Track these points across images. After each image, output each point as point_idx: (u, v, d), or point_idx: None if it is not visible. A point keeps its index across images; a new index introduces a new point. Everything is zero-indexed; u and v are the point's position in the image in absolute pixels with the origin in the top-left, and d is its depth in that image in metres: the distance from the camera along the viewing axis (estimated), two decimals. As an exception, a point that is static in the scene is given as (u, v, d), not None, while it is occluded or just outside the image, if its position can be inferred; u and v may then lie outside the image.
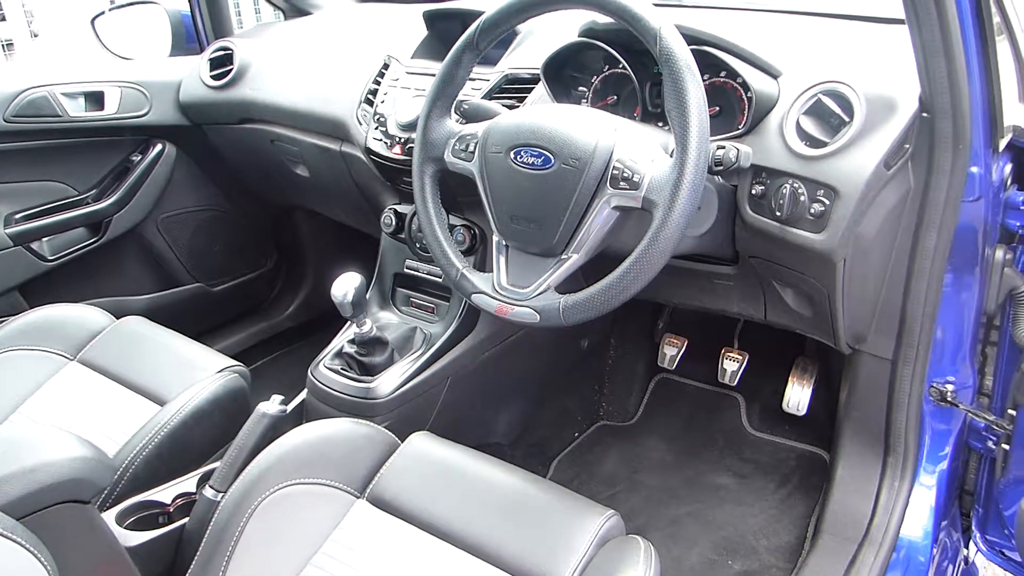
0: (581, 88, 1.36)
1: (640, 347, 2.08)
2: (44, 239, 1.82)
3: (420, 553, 0.97)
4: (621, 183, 0.96)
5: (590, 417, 2.02)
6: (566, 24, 1.36)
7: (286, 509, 1.00)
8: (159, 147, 1.96)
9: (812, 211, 1.06)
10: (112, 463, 1.16)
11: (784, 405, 1.81)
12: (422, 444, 1.11)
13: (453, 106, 1.17)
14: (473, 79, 1.35)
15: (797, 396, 1.80)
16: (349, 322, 1.39)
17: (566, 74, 1.35)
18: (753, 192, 1.12)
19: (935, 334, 1.24)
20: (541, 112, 1.04)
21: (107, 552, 0.88)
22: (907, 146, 1.07)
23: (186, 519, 1.09)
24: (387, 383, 1.40)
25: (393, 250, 1.62)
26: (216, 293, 2.20)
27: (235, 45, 1.88)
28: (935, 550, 1.31)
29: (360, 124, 1.53)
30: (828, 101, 1.07)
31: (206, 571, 0.95)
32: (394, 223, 1.57)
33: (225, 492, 1.04)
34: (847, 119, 1.05)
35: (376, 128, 1.48)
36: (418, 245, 1.55)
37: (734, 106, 1.21)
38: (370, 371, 1.41)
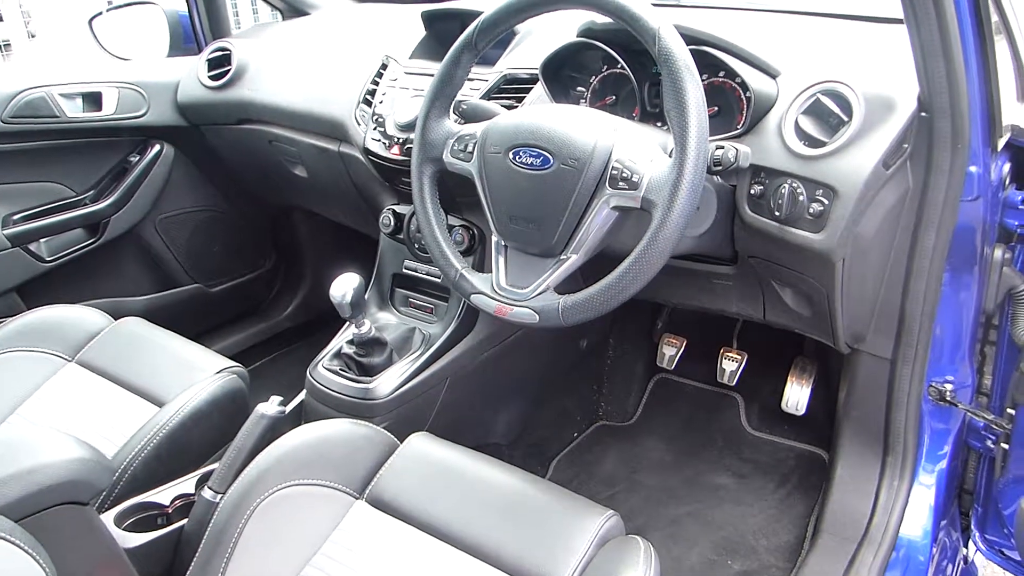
0: (580, 88, 1.36)
1: (639, 347, 2.08)
2: (42, 240, 1.81)
3: (419, 554, 0.97)
4: (620, 183, 0.96)
5: (589, 417, 2.02)
6: (564, 24, 1.36)
7: (285, 510, 1.00)
8: (157, 148, 1.95)
9: (811, 211, 1.06)
10: (111, 464, 1.16)
11: (783, 405, 1.81)
12: (421, 445, 1.11)
13: (452, 106, 1.17)
14: (472, 79, 1.35)
15: (796, 396, 1.80)
16: (348, 323, 1.39)
17: (565, 74, 1.35)
18: (752, 192, 1.12)
19: (934, 333, 1.24)
20: (540, 112, 1.04)
21: (106, 554, 0.88)
22: (906, 146, 1.07)
23: (185, 520, 1.09)
24: (386, 384, 1.40)
25: (392, 250, 1.61)
26: (214, 294, 2.20)
27: (233, 45, 1.87)
28: (934, 549, 1.31)
29: (358, 124, 1.53)
30: (827, 101, 1.07)
31: (205, 572, 0.95)
32: (393, 223, 1.56)
33: (224, 493, 1.04)
34: (846, 119, 1.05)
35: (374, 128, 1.48)
36: (417, 246, 1.55)
37: (733, 106, 1.21)
38: (369, 372, 1.41)
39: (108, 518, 1.07)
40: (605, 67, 1.34)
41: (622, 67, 1.27)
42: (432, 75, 1.15)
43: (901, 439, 1.35)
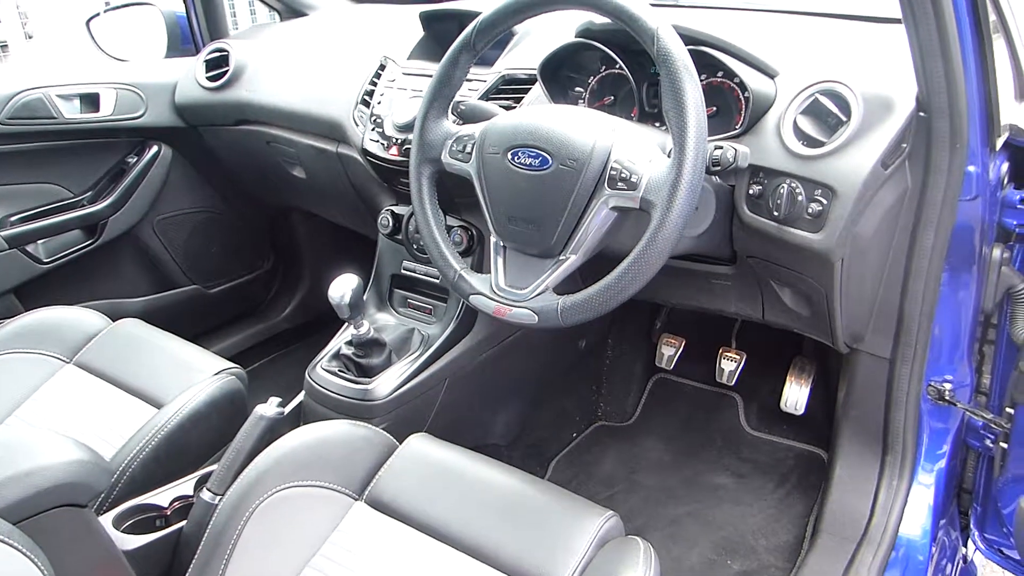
0: (578, 89, 1.36)
1: (638, 347, 2.08)
2: (39, 241, 1.81)
3: (419, 555, 0.96)
4: (619, 183, 0.96)
5: (588, 418, 2.02)
6: (563, 25, 1.35)
7: (284, 512, 0.99)
8: (155, 149, 1.95)
9: (810, 211, 1.06)
10: (109, 466, 1.16)
11: (782, 404, 1.81)
12: (420, 446, 1.11)
13: (450, 107, 1.17)
14: (470, 80, 1.34)
15: (795, 395, 1.80)
16: (346, 324, 1.39)
17: (563, 75, 1.35)
18: (751, 192, 1.12)
19: (933, 333, 1.24)
20: (538, 113, 1.04)
21: (104, 556, 0.88)
22: (904, 145, 1.07)
23: (183, 522, 1.09)
24: (385, 385, 1.39)
25: (390, 251, 1.61)
26: (213, 295, 2.20)
27: (231, 46, 1.87)
28: (934, 549, 1.31)
29: (357, 125, 1.53)
30: (825, 101, 1.06)
31: (204, 574, 0.95)
32: (391, 224, 1.56)
33: (223, 495, 1.04)
34: (844, 119, 1.05)
35: (373, 129, 1.48)
36: (415, 246, 1.54)
37: (731, 106, 1.21)
38: (368, 373, 1.41)
39: (107, 520, 1.07)
40: (603, 67, 1.34)
41: (620, 67, 1.27)
42: (430, 76, 1.15)
43: (900, 438, 1.35)
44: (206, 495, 1.08)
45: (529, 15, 1.07)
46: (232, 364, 1.40)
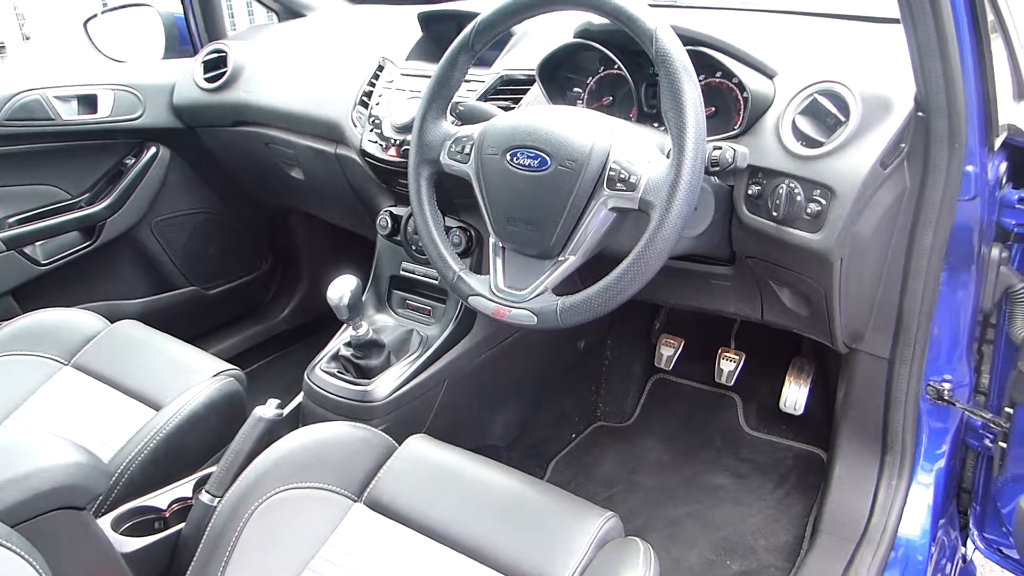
0: (576, 89, 1.36)
1: (637, 348, 2.08)
2: (37, 243, 1.81)
3: (418, 557, 0.96)
4: (618, 184, 0.96)
5: (587, 418, 2.02)
6: (561, 25, 1.35)
7: (283, 513, 0.99)
8: (153, 150, 1.95)
9: (808, 211, 1.06)
10: (107, 468, 1.16)
11: (781, 405, 1.81)
12: (419, 447, 1.11)
13: (449, 108, 1.17)
14: (468, 80, 1.34)
15: (794, 395, 1.80)
16: (345, 325, 1.38)
17: (561, 75, 1.35)
18: (749, 192, 1.12)
19: (932, 333, 1.24)
20: (537, 113, 1.04)
21: (103, 559, 0.88)
22: (903, 145, 1.07)
23: (182, 524, 1.09)
24: (384, 386, 1.39)
25: (389, 252, 1.61)
26: (211, 296, 2.19)
27: (229, 47, 1.87)
28: (933, 548, 1.31)
29: (355, 126, 1.53)
30: (824, 101, 1.07)
31: (203, 577, 0.95)
32: (390, 225, 1.56)
33: (221, 497, 1.04)
34: (843, 119, 1.05)
35: (371, 130, 1.48)
36: (414, 247, 1.54)
37: (730, 106, 1.21)
38: (367, 374, 1.41)
39: (105, 522, 1.06)
40: (602, 68, 1.34)
41: (619, 68, 1.27)
42: (429, 76, 1.15)
43: (899, 438, 1.35)
44: (205, 497, 1.08)
45: (528, 16, 1.07)
46: (231, 366, 1.40)
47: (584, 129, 0.99)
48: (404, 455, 1.09)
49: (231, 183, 2.12)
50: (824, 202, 1.04)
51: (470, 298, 1.10)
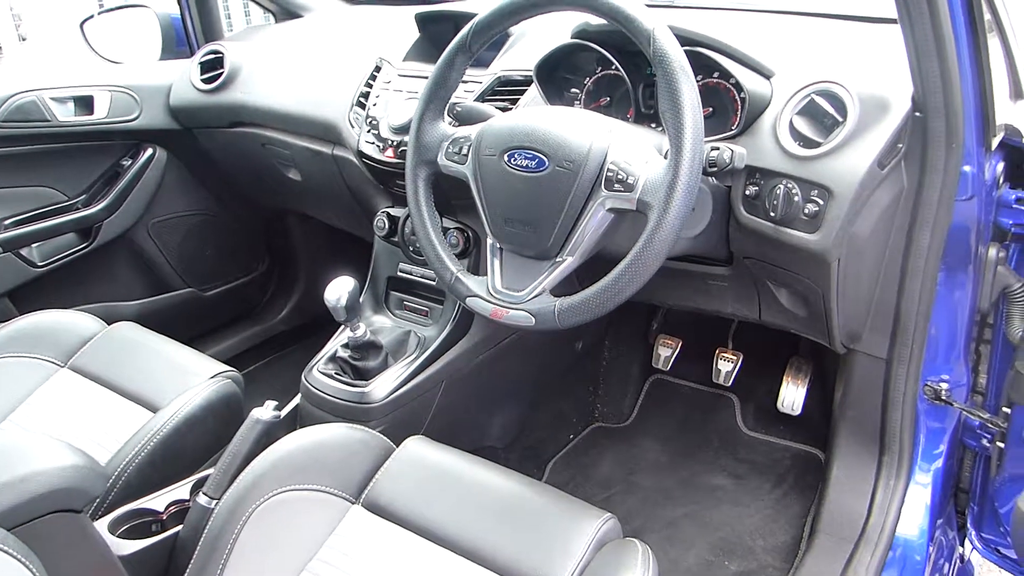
0: (574, 90, 1.36)
1: (634, 348, 2.08)
2: (33, 245, 1.80)
3: (416, 558, 0.96)
4: (616, 185, 0.96)
5: (585, 419, 2.02)
6: (558, 26, 1.35)
7: (281, 516, 0.99)
8: (149, 151, 1.94)
9: (806, 211, 1.06)
10: (104, 471, 1.15)
11: (779, 405, 1.81)
12: (417, 449, 1.10)
13: (446, 109, 1.17)
14: (465, 81, 1.34)
15: (792, 396, 1.80)
16: (343, 326, 1.38)
17: (559, 76, 1.35)
18: (747, 193, 1.12)
19: (929, 333, 1.24)
20: (535, 114, 1.04)
21: (100, 561, 0.87)
22: (900, 145, 1.07)
23: (180, 527, 1.08)
24: (381, 387, 1.39)
25: (386, 253, 1.61)
26: (208, 298, 2.19)
27: (225, 48, 1.87)
28: (931, 548, 1.31)
29: (352, 127, 1.53)
30: (821, 101, 1.07)
31: (200, 579, 0.94)
32: (387, 226, 1.56)
33: (219, 499, 1.03)
34: (840, 119, 1.05)
35: (368, 131, 1.48)
36: (411, 248, 1.54)
37: (727, 107, 1.21)
38: (364, 375, 1.40)
39: (102, 525, 1.06)
40: (599, 68, 1.34)
41: (616, 68, 1.27)
42: (426, 77, 1.15)
43: (897, 438, 1.35)
44: (202, 499, 1.08)
45: (525, 16, 1.07)
46: (228, 367, 1.39)
47: (582, 130, 0.99)
48: (402, 456, 1.09)
49: (228, 184, 2.12)
50: (822, 202, 1.04)
51: (468, 299, 1.10)
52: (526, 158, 1.00)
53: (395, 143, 1.42)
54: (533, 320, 1.02)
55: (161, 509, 1.12)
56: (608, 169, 0.97)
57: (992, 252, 1.27)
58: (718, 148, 1.03)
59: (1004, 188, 1.28)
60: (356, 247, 1.87)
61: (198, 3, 2.02)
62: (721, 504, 1.72)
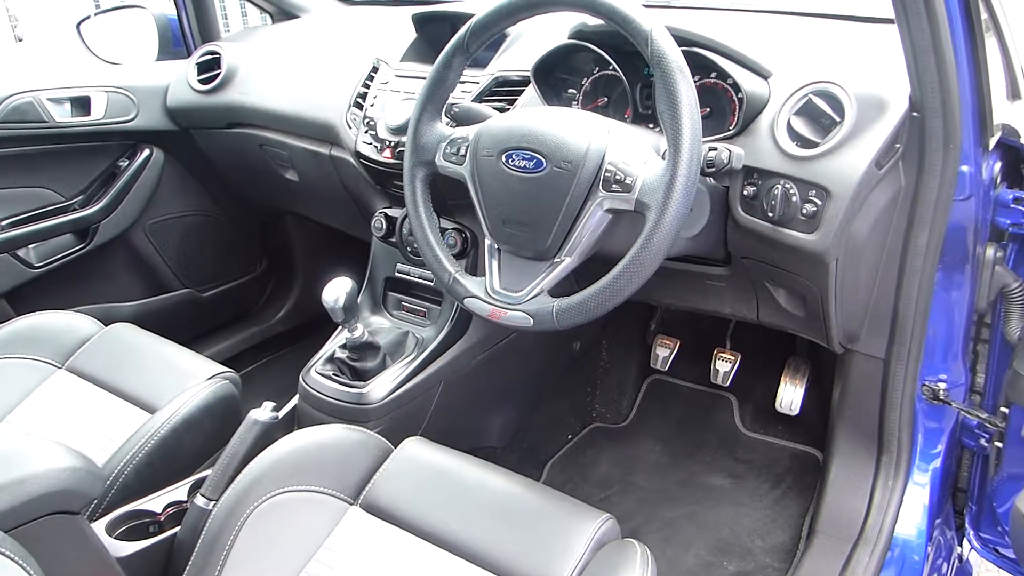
0: (571, 90, 1.36)
1: (632, 349, 2.08)
2: (30, 246, 1.80)
3: (415, 559, 0.96)
4: (614, 185, 0.96)
5: (583, 420, 2.02)
6: (556, 26, 1.35)
7: (279, 517, 0.99)
8: (146, 152, 1.94)
9: (804, 211, 1.06)
10: (102, 472, 1.15)
11: (777, 405, 1.81)
12: (415, 449, 1.10)
13: (444, 109, 1.17)
14: (463, 82, 1.34)
15: (790, 396, 1.80)
16: (340, 327, 1.38)
17: (556, 76, 1.35)
18: (745, 193, 1.12)
19: (927, 333, 1.24)
20: (532, 115, 1.04)
21: (97, 563, 0.87)
22: (898, 145, 1.07)
23: (177, 528, 1.08)
24: (379, 388, 1.39)
25: (384, 254, 1.61)
26: (205, 299, 2.19)
27: (223, 49, 1.87)
28: (929, 548, 1.31)
29: (350, 128, 1.53)
30: (819, 101, 1.07)
31: (198, 581, 0.94)
32: (385, 227, 1.56)
33: (217, 500, 1.03)
34: (838, 119, 1.05)
35: (366, 132, 1.48)
36: (409, 249, 1.54)
37: (725, 107, 1.21)
38: (362, 376, 1.40)
39: (99, 527, 1.06)
40: (597, 69, 1.34)
41: (614, 69, 1.27)
42: (423, 78, 1.15)
43: (895, 438, 1.35)
44: (200, 500, 1.07)
45: (523, 17, 1.07)
46: (225, 368, 1.39)
47: (580, 130, 0.99)
48: (400, 457, 1.09)
49: (225, 185, 2.12)
50: (819, 202, 1.04)
51: (466, 300, 1.10)
52: (524, 159, 1.00)
53: (393, 144, 1.42)
54: (531, 321, 1.02)
55: (159, 510, 1.12)
56: (606, 170, 0.97)
57: (990, 252, 1.27)
58: (716, 148, 1.03)
59: (1001, 188, 1.28)
60: (354, 248, 1.87)
61: (195, 4, 2.01)
62: (719, 504, 1.72)
